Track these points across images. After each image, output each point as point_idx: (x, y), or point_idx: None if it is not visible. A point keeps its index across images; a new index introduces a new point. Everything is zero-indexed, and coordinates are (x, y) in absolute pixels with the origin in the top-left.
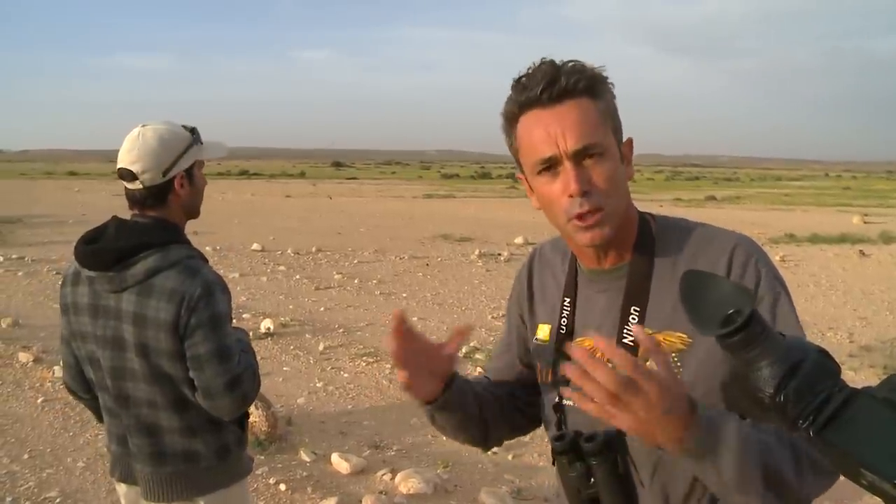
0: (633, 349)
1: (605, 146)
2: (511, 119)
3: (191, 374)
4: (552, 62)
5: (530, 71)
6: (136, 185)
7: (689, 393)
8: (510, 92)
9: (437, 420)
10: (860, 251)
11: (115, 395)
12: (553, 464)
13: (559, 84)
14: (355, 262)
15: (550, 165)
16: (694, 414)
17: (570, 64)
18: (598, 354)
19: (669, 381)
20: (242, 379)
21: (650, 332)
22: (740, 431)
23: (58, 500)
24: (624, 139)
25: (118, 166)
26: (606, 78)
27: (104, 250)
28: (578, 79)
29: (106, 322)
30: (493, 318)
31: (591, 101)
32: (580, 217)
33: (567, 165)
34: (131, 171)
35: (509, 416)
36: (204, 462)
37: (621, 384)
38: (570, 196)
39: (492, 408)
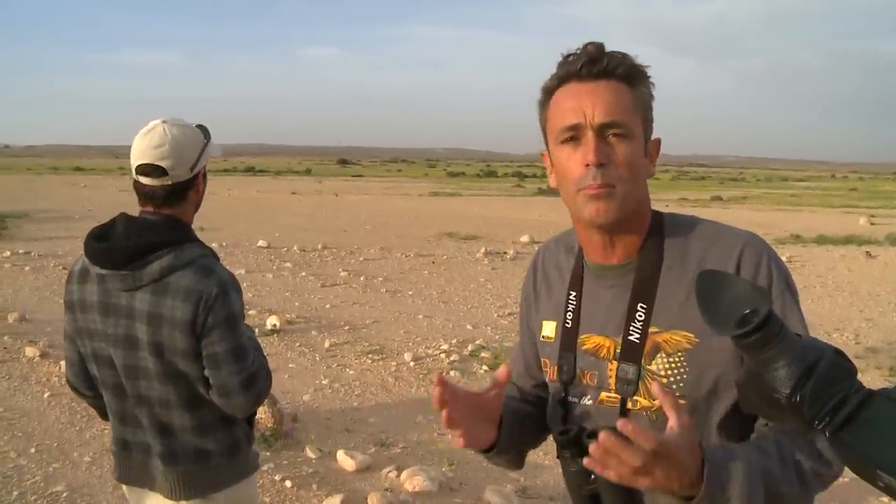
0: (639, 346)
1: (631, 129)
2: (548, 92)
3: (206, 372)
4: (600, 45)
5: (577, 50)
6: (164, 182)
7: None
8: (555, 69)
9: (495, 460)
10: (867, 252)
11: (129, 395)
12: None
13: (600, 63)
14: (361, 259)
15: (574, 136)
16: (704, 463)
17: (617, 52)
18: (603, 354)
19: (685, 443)
20: (257, 378)
21: (656, 329)
22: (744, 472)
23: (64, 495)
24: (653, 139)
25: (141, 161)
26: (648, 76)
27: (117, 249)
28: (619, 63)
29: (117, 321)
30: (498, 316)
31: (627, 88)
32: (590, 188)
33: (589, 136)
34: (161, 167)
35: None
36: (214, 460)
37: (643, 461)
38: (587, 165)
39: (536, 421)
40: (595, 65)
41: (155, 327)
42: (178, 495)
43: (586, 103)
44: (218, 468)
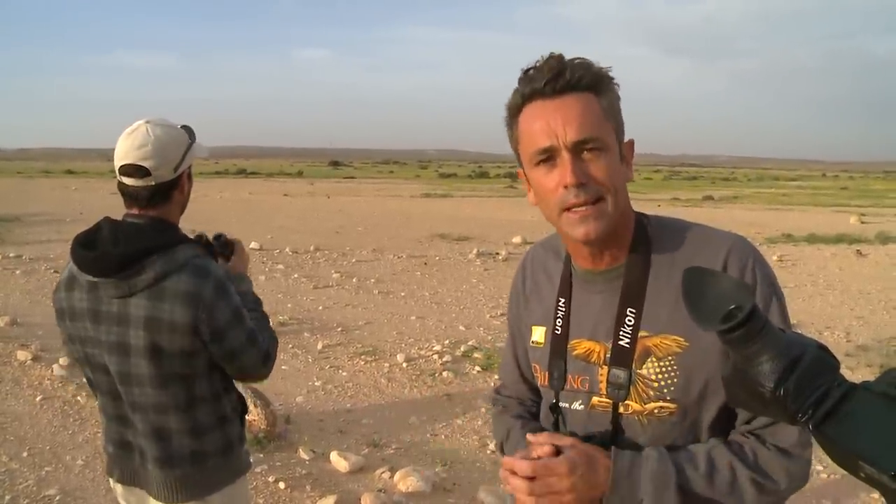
0: (629, 350)
1: (605, 142)
2: (514, 111)
3: (223, 364)
4: (560, 56)
5: (538, 64)
6: (147, 182)
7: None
8: (517, 85)
9: None
10: (857, 251)
11: (124, 401)
12: None
13: (564, 77)
14: (353, 261)
15: (548, 157)
16: (613, 468)
17: (577, 60)
18: (593, 359)
19: (579, 456)
20: (270, 351)
21: (646, 333)
22: (654, 473)
23: (57, 498)
24: (626, 141)
25: (125, 162)
26: (612, 78)
27: (108, 256)
28: (583, 74)
29: (109, 328)
30: (490, 317)
31: (594, 97)
32: (574, 209)
33: (565, 156)
34: (144, 168)
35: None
36: (211, 461)
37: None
38: (566, 187)
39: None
40: (559, 79)
41: (153, 332)
42: (175, 499)
43: (556, 122)
44: (214, 469)
